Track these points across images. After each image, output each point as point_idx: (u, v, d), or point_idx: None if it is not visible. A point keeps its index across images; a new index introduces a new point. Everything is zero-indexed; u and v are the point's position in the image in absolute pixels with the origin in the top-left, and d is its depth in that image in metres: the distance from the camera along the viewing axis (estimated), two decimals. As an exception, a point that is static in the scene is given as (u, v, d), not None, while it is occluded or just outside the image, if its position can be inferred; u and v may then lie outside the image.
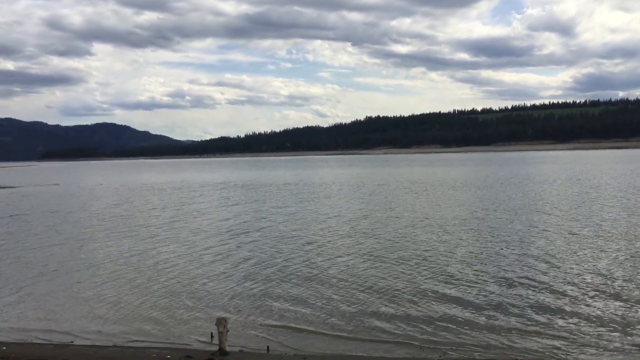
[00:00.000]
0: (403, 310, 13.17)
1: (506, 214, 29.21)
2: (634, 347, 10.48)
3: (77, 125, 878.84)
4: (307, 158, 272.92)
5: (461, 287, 14.99)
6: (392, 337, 11.51)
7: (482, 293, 14.35)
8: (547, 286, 14.71)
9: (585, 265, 16.84)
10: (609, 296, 13.67)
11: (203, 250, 21.60)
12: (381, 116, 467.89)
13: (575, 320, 12.04)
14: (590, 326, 11.63)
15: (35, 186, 77.24)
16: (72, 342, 12.06)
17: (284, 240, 23.41)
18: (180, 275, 17.51)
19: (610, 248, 19.40)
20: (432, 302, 13.68)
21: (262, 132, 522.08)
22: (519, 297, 13.83)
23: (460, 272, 16.54)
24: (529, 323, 11.98)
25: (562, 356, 10.27)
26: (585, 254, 18.47)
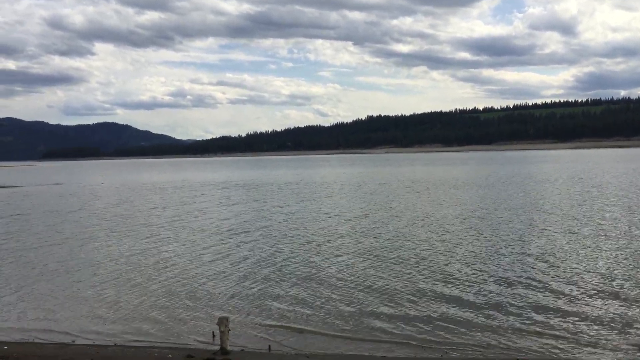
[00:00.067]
0: (403, 310, 13.18)
1: (507, 213, 29.19)
2: (633, 347, 10.48)
3: (78, 125, 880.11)
4: (309, 157, 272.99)
5: (461, 286, 14.99)
6: (393, 337, 11.51)
7: (482, 292, 14.35)
8: (547, 285, 14.70)
9: (585, 265, 16.83)
10: (608, 296, 13.67)
11: (203, 250, 21.61)
12: (382, 115, 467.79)
13: (575, 319, 12.04)
14: (590, 326, 11.62)
15: (36, 186, 77.36)
16: (73, 341, 12.08)
17: (285, 239, 23.42)
18: (181, 274, 17.53)
19: (610, 247, 19.39)
20: (433, 302, 13.68)
21: (264, 131, 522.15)
22: (519, 297, 13.83)
23: (461, 272, 16.54)
24: (529, 322, 11.98)
25: (562, 355, 10.27)
26: (586, 253, 18.46)
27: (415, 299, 14.01)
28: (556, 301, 13.36)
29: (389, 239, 22.60)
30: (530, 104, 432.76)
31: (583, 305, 12.98)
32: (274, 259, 19.37)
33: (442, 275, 16.18)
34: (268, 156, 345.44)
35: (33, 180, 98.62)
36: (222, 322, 10.56)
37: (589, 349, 10.49)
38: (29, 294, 15.88)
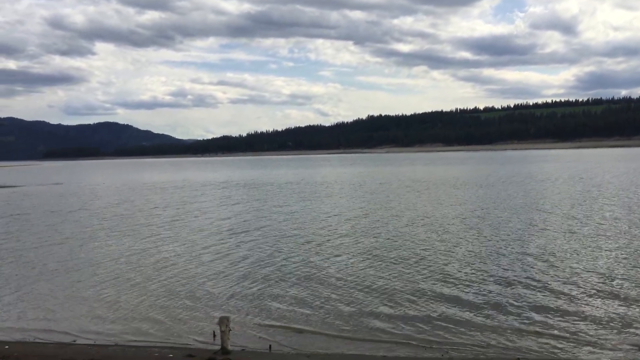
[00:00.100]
0: (404, 310, 13.19)
1: (507, 213, 29.19)
2: (633, 347, 10.48)
3: (79, 125, 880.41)
4: (309, 157, 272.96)
5: (461, 286, 14.99)
6: (393, 337, 11.51)
7: (482, 292, 14.36)
8: (547, 285, 14.71)
9: (585, 264, 16.83)
10: (608, 295, 13.67)
11: (204, 250, 21.63)
12: (383, 115, 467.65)
13: (575, 319, 12.04)
14: (590, 325, 11.63)
15: (37, 185, 77.41)
16: (74, 341, 12.09)
17: (285, 239, 23.43)
18: (181, 274, 17.55)
19: (610, 247, 19.39)
20: (433, 302, 13.69)
21: (264, 131, 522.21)
22: (519, 296, 13.84)
23: (461, 272, 16.55)
24: (529, 322, 11.99)
25: (562, 355, 10.28)
26: (586, 253, 18.47)
27: (415, 298, 14.02)
28: (556, 301, 13.37)
29: (388, 239, 22.61)
30: (531, 103, 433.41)
31: (583, 305, 12.98)
32: (274, 259, 19.38)
33: (442, 275, 16.19)
34: (269, 156, 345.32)
35: (34, 180, 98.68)
36: (223, 321, 10.57)
37: (589, 348, 10.50)
38: (29, 294, 15.89)
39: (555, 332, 11.37)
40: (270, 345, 11.24)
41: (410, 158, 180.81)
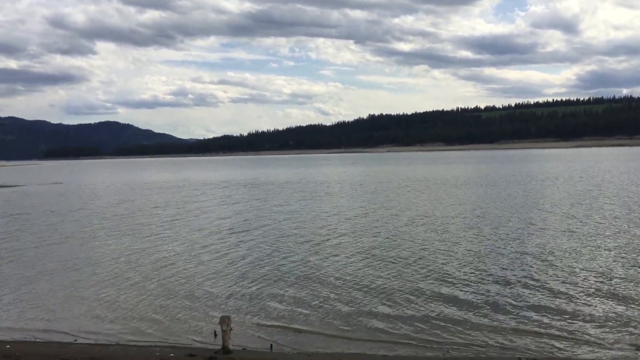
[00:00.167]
0: (404, 310, 13.21)
1: (507, 212, 29.21)
2: (632, 346, 10.51)
3: (79, 124, 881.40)
4: (310, 156, 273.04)
5: (461, 285, 15.02)
6: (394, 337, 11.52)
7: (482, 292, 14.38)
8: (546, 285, 14.73)
9: (585, 264, 16.85)
10: (607, 295, 13.69)
11: (204, 249, 21.66)
12: (384, 114, 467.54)
13: (575, 318, 12.07)
14: (590, 325, 11.66)
15: (38, 185, 77.49)
16: (75, 340, 12.12)
17: (285, 238, 23.46)
18: (182, 274, 17.58)
19: (610, 246, 19.41)
20: (433, 301, 13.72)
21: (265, 130, 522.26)
22: (519, 296, 13.86)
23: (461, 271, 16.57)
24: (529, 322, 12.02)
25: (562, 355, 10.30)
26: (586, 253, 18.48)
27: (415, 298, 14.04)
28: (556, 300, 13.39)
29: (388, 238, 22.64)
30: (532, 102, 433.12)
31: (582, 304, 13.00)
32: (274, 258, 19.42)
33: (441, 275, 16.22)
34: (270, 155, 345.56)
35: (34, 179, 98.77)
36: (224, 321, 10.59)
37: (588, 347, 10.53)
38: (28, 294, 15.91)
39: (555, 331, 11.39)
40: (271, 345, 11.27)
41: (411, 157, 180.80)
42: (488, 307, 13.08)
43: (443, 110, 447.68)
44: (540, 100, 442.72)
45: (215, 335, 11.67)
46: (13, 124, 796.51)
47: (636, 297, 13.38)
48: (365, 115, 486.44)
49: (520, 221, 26.01)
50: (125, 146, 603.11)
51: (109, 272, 18.13)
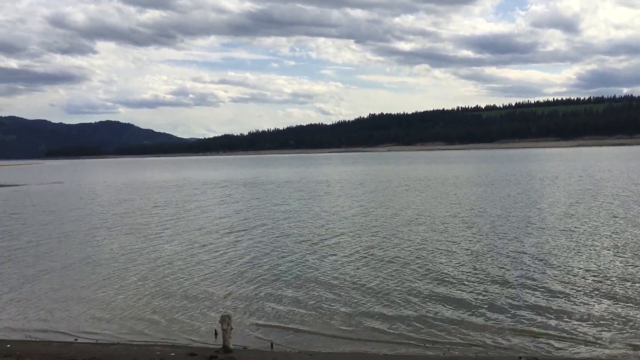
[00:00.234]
0: (404, 310, 13.23)
1: (507, 211, 29.22)
2: (631, 346, 10.55)
3: (80, 124, 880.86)
4: (311, 156, 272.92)
5: (460, 285, 15.05)
6: (394, 337, 11.53)
7: (481, 292, 14.41)
8: (546, 284, 14.76)
9: (585, 264, 16.88)
10: (607, 294, 13.71)
11: (204, 249, 21.69)
12: (384, 114, 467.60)
13: (574, 318, 12.10)
14: (589, 324, 11.68)
15: (38, 184, 77.52)
16: (76, 339, 12.15)
17: (285, 238, 23.49)
18: (182, 273, 17.61)
19: (609, 245, 19.41)
20: (433, 301, 13.75)
21: (266, 129, 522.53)
22: (518, 296, 13.88)
23: (460, 271, 16.60)
24: (528, 321, 12.04)
25: (561, 354, 10.33)
26: (585, 252, 18.50)
27: (415, 298, 14.06)
28: (555, 300, 13.41)
29: (389, 239, 22.65)
30: (533, 102, 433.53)
31: (582, 304, 13.02)
32: (274, 258, 19.44)
33: (441, 274, 16.24)
34: (270, 154, 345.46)
35: (35, 178, 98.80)
36: (225, 320, 10.61)
37: (587, 347, 10.56)
38: (28, 293, 15.93)
39: (554, 331, 11.41)
40: (271, 344, 11.30)
41: (412, 157, 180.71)
42: (487, 307, 13.11)
43: (443, 109, 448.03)
44: (541, 99, 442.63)
45: (216, 334, 11.70)
46: (13, 123, 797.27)
47: (634, 297, 13.41)
48: (365, 115, 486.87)
49: (520, 220, 26.02)
50: (126, 146, 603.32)
51: (109, 272, 18.15)
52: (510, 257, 18.27)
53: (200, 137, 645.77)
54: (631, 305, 12.83)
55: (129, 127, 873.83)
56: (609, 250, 18.77)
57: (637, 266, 16.40)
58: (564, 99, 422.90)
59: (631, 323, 11.66)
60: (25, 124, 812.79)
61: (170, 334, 12.26)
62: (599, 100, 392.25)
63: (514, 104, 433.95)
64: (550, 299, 13.53)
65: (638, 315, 12.11)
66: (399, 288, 14.98)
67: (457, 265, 17.36)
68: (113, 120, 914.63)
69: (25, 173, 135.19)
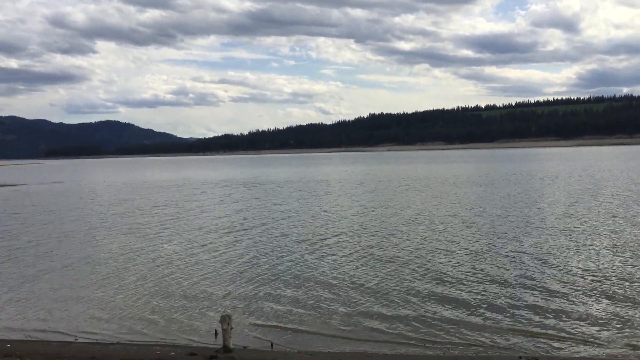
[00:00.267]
0: (404, 310, 13.24)
1: (506, 211, 29.22)
2: (629, 345, 10.56)
3: (80, 123, 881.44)
4: (311, 155, 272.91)
5: (460, 285, 15.06)
6: (394, 337, 11.53)
7: (481, 292, 14.42)
8: (545, 284, 14.77)
9: (583, 263, 16.88)
10: (606, 294, 13.72)
11: (203, 248, 21.69)
12: (385, 113, 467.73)
13: (573, 318, 12.10)
14: (588, 324, 11.70)
15: (38, 184, 77.53)
16: (76, 339, 12.16)
17: (285, 238, 23.49)
18: (182, 273, 17.62)
19: (608, 245, 19.42)
20: (432, 301, 13.76)
21: (266, 129, 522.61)
22: (518, 295, 13.89)
23: (459, 271, 16.61)
24: (527, 321, 12.06)
25: (560, 353, 10.34)
26: (584, 252, 18.51)
27: (414, 298, 14.07)
28: (554, 300, 13.42)
29: (389, 239, 22.66)
30: (533, 101, 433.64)
31: (580, 304, 13.03)
32: (274, 258, 19.44)
33: (440, 274, 16.25)
34: (270, 154, 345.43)
35: (35, 178, 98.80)
36: (225, 319, 10.62)
37: (587, 347, 10.57)
38: (28, 293, 15.93)
39: (553, 331, 11.42)
40: (271, 343, 11.31)
41: (412, 156, 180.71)
42: (487, 307, 13.12)
43: (444, 109, 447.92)
44: (541, 99, 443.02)
45: (216, 334, 11.71)
46: (14, 123, 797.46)
47: (634, 296, 13.42)
48: (365, 114, 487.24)
49: (520, 220, 26.03)
50: (126, 145, 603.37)
51: (109, 271, 18.15)
52: (510, 256, 18.28)
53: (200, 137, 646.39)
54: (630, 304, 12.84)
55: (129, 126, 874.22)
56: (608, 249, 18.78)
57: (636, 266, 16.41)
58: (564, 98, 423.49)
59: (630, 322, 11.67)
60: (25, 123, 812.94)
61: (170, 333, 12.26)
62: (599, 99, 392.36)
63: (514, 104, 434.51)
64: (549, 298, 13.54)
65: (637, 315, 12.12)
66: (398, 288, 14.99)
67: (457, 264, 17.37)
68: (113, 120, 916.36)
69: (25, 173, 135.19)
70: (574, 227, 23.54)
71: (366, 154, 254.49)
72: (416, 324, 12.15)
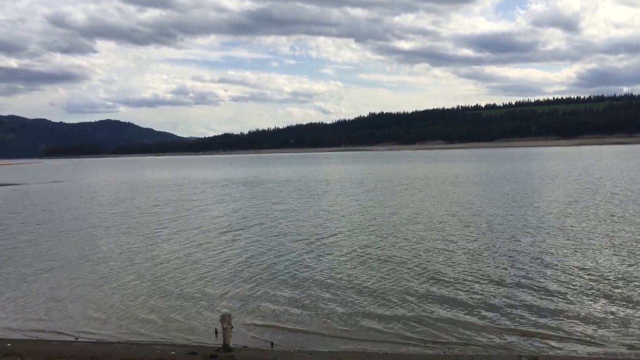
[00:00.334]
0: (404, 309, 13.25)
1: (506, 211, 29.24)
2: (629, 345, 10.59)
3: (80, 123, 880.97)
4: (311, 154, 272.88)
5: (459, 285, 15.07)
6: (394, 337, 11.53)
7: (479, 291, 14.43)
8: (544, 284, 14.78)
9: (582, 263, 16.90)
10: (605, 294, 13.74)
11: (203, 248, 21.70)
12: (384, 112, 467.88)
13: (571, 317, 12.12)
14: (587, 323, 11.72)
15: (38, 183, 77.54)
16: (76, 339, 12.17)
17: (283, 238, 23.50)
18: (183, 272, 17.63)
19: (607, 245, 19.43)
20: (431, 301, 13.77)
21: (266, 128, 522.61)
22: (517, 295, 13.91)
23: (458, 270, 16.62)
24: (527, 321, 12.07)
25: (561, 353, 10.36)
26: (582, 251, 18.52)
27: (414, 298, 14.08)
28: (553, 299, 13.43)
29: (388, 238, 22.68)
30: (533, 100, 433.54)
31: (579, 303, 13.05)
32: (273, 258, 19.46)
33: (439, 274, 16.26)
34: (270, 153, 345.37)
35: (35, 178, 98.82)
36: (225, 319, 10.63)
37: (585, 347, 10.59)
38: (27, 292, 15.95)
39: (552, 330, 11.44)
40: (272, 343, 11.32)
41: (411, 156, 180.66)
42: (485, 306, 13.13)
43: (444, 108, 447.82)
44: (541, 98, 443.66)
45: (216, 333, 11.73)
46: (13, 122, 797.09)
47: (632, 296, 13.44)
48: (365, 114, 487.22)
49: (519, 219, 26.04)
50: (126, 145, 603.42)
51: (108, 271, 18.17)
52: (509, 256, 18.29)
53: (200, 136, 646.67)
54: (629, 304, 12.87)
55: (129, 126, 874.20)
56: (607, 249, 18.78)
57: (635, 265, 16.43)
58: (564, 97, 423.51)
59: (628, 322, 11.70)
60: (25, 123, 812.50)
61: (169, 333, 12.27)
62: (599, 99, 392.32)
63: (514, 103, 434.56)
64: (548, 298, 13.56)
65: (636, 314, 12.15)
66: (397, 287, 15.01)
67: (455, 264, 17.39)
68: (113, 119, 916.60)
69: (25, 172, 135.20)
70: (573, 226, 23.56)
71: (366, 153, 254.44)
72: (415, 324, 12.16)
